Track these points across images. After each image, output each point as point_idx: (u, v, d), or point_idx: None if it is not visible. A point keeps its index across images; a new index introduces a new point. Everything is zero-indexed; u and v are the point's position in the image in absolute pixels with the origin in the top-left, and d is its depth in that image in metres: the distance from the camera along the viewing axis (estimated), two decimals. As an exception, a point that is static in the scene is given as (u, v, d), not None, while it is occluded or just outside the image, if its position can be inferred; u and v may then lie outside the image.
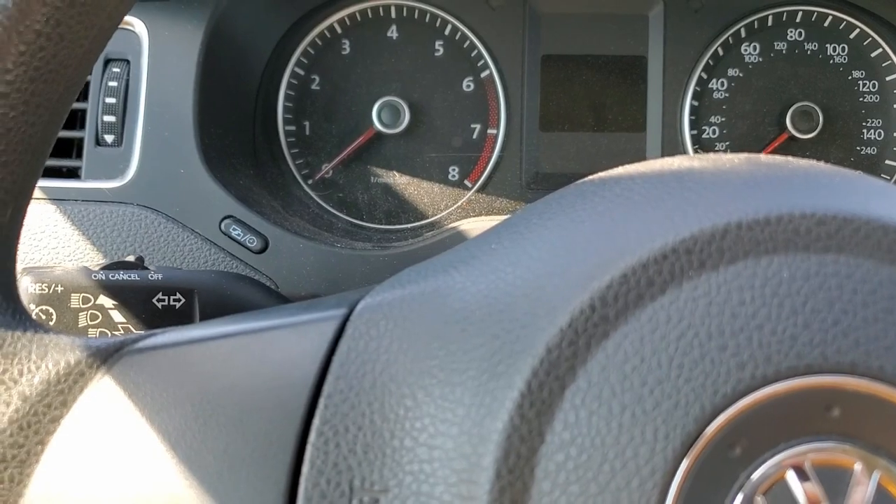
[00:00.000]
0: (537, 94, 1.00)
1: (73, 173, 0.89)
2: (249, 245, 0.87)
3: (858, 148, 1.00)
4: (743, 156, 0.43)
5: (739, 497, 0.35)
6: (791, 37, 1.00)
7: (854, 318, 0.35)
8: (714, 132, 1.00)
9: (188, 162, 0.87)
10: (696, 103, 1.00)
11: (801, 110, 0.98)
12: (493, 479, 0.35)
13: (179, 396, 0.39)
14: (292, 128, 1.00)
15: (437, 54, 1.00)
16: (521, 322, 0.37)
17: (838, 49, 1.00)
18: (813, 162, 0.43)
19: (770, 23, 1.00)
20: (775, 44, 1.00)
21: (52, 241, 0.85)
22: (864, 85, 1.00)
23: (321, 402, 0.38)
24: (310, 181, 1.00)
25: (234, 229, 0.87)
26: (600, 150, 1.00)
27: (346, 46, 1.00)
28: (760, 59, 1.00)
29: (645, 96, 1.00)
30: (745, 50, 1.00)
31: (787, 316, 0.35)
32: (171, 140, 0.87)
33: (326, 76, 1.00)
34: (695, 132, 1.00)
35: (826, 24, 1.00)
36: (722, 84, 1.00)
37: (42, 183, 0.86)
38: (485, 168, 1.00)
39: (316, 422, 0.38)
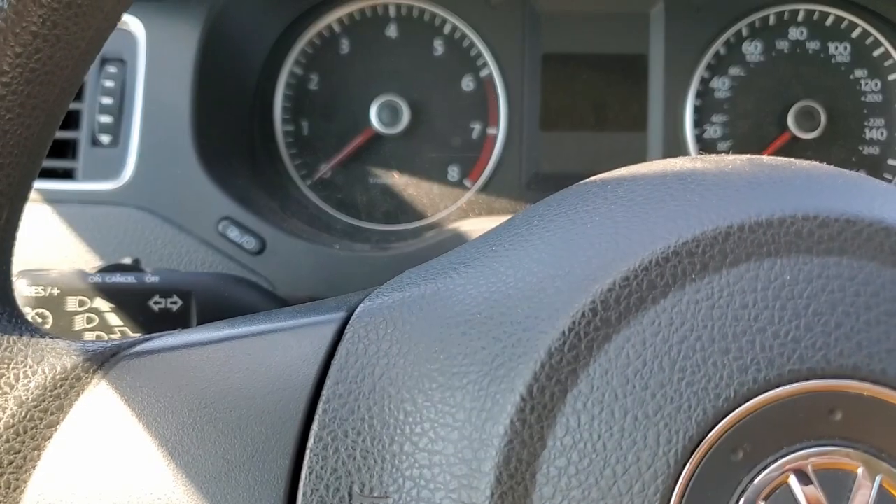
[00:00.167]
0: (538, 93, 1.00)
1: (68, 174, 0.88)
2: (247, 246, 0.86)
3: (861, 147, 1.00)
4: (745, 157, 0.42)
5: (742, 501, 0.34)
6: (793, 36, 1.00)
7: (857, 321, 0.35)
8: (716, 131, 1.00)
9: (185, 162, 0.87)
10: (698, 102, 0.99)
11: (804, 110, 0.97)
12: (493, 485, 0.35)
13: (177, 401, 0.39)
14: (290, 128, 1.00)
15: (436, 53, 1.00)
16: (522, 325, 0.37)
17: (840, 48, 0.99)
18: (815, 163, 0.42)
19: (772, 21, 1.00)
20: (777, 43, 1.00)
21: (48, 243, 0.85)
22: (866, 84, 0.99)
23: (320, 406, 0.38)
24: (308, 181, 1.00)
25: (231, 230, 0.86)
26: (601, 150, 1.00)
27: (345, 45, 1.00)
28: (762, 58, 1.00)
29: (646, 95, 0.99)
30: (747, 49, 1.00)
31: (790, 319, 0.35)
32: (167, 140, 0.87)
33: (325, 75, 1.00)
34: (697, 131, 0.99)
35: (828, 22, 0.99)
36: (724, 83, 1.00)
37: (37, 184, 0.85)
38: (485, 168, 0.99)
39: (315, 427, 0.37)
